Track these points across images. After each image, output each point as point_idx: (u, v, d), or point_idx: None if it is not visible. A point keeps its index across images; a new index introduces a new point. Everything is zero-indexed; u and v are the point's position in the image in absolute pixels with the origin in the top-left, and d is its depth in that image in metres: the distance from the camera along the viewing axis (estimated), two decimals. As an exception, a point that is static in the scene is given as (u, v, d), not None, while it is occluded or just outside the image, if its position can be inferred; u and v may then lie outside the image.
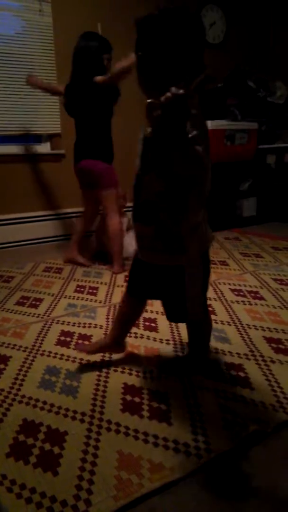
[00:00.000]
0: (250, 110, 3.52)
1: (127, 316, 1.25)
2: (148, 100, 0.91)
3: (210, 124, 3.36)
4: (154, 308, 1.73)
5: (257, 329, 1.50)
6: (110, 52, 2.24)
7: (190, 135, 0.81)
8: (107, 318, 1.63)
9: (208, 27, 3.67)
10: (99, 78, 2.12)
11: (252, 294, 1.85)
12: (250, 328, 1.51)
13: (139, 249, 1.09)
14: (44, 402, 1.09)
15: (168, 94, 0.76)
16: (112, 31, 3.15)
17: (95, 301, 1.85)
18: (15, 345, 1.44)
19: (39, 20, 2.85)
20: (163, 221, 0.97)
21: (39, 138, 3.05)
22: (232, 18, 3.78)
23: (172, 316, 1.15)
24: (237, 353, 1.33)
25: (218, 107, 3.45)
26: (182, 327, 1.52)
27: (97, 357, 1.32)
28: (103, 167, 2.24)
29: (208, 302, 1.77)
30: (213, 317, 1.62)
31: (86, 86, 2.16)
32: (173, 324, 1.56)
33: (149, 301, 1.79)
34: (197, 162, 0.85)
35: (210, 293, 1.88)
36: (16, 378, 1.22)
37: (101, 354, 1.34)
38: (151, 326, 1.55)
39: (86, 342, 1.44)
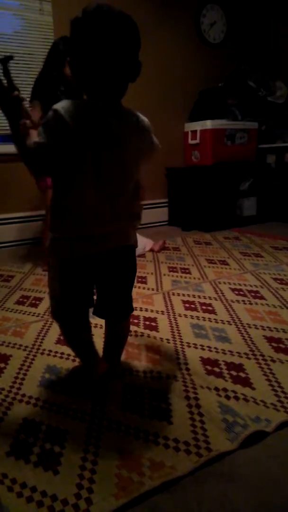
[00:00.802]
0: (250, 109, 3.52)
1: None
2: None
3: (210, 123, 3.37)
4: (155, 307, 1.73)
5: (258, 329, 1.50)
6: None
7: None
8: (107, 317, 1.63)
9: (209, 26, 3.67)
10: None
11: (253, 294, 1.85)
12: (250, 327, 1.51)
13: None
14: (45, 401, 1.09)
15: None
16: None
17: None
18: (15, 344, 1.44)
19: (39, 19, 2.85)
20: None
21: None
22: (232, 17, 3.78)
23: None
24: (237, 353, 1.33)
25: (218, 106, 3.46)
26: (182, 325, 1.53)
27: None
28: None
29: (209, 301, 1.78)
30: (213, 316, 1.62)
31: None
32: (173, 323, 1.56)
33: (148, 300, 1.79)
34: None
35: (211, 292, 1.89)
36: (16, 377, 1.22)
37: (101, 352, 1.34)
38: (152, 325, 1.55)
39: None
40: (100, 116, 0.91)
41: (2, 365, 1.29)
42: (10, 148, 2.88)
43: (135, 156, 1.00)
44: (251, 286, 1.96)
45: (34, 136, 0.90)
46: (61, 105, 0.89)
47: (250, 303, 1.75)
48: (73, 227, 0.95)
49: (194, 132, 3.53)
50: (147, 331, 1.50)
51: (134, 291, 1.94)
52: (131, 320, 1.59)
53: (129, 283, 1.10)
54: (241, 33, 3.88)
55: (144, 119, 1.02)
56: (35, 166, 0.95)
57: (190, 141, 3.58)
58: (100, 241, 0.98)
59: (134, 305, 1.74)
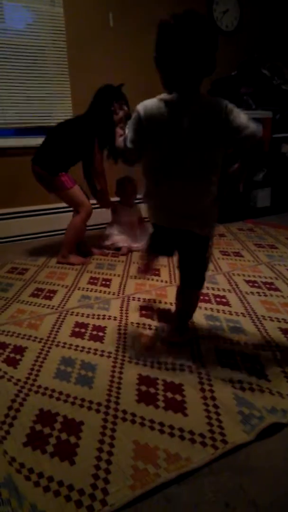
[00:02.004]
0: (264, 98, 3.46)
1: None
2: None
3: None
4: (168, 299, 1.72)
5: (273, 320, 1.49)
6: (120, 100, 2.36)
7: None
8: (121, 310, 1.64)
9: (222, 14, 3.60)
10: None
11: (267, 285, 1.83)
12: (265, 319, 1.50)
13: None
14: (60, 393, 1.10)
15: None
16: (124, 20, 3.12)
17: (109, 292, 1.85)
18: (30, 336, 1.45)
19: (50, 11, 2.83)
20: None
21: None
22: (245, 4, 3.69)
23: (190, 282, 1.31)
24: (252, 344, 1.32)
25: (231, 96, 3.40)
26: (197, 317, 1.52)
27: (111, 348, 1.33)
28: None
29: (223, 293, 1.77)
30: (227, 308, 1.61)
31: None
32: (188, 316, 1.55)
33: (162, 293, 1.79)
34: None
35: (225, 284, 1.87)
36: (32, 369, 1.23)
37: (116, 345, 1.35)
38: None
39: (100, 334, 1.44)
40: (173, 113, 1.09)
41: (18, 356, 1.31)
42: (22, 142, 2.89)
43: (209, 144, 1.10)
44: (265, 277, 1.94)
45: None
46: (142, 105, 1.14)
47: (265, 295, 1.73)
48: (155, 207, 1.23)
49: (207, 122, 3.48)
50: (161, 324, 1.49)
51: (147, 283, 1.94)
52: (144, 312, 1.60)
53: (193, 260, 1.27)
54: (254, 21, 3.80)
55: (230, 104, 1.12)
56: (124, 158, 1.22)
57: (203, 132, 3.53)
58: (173, 221, 1.20)
59: (147, 297, 1.75)
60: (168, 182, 1.14)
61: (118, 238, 2.60)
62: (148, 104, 1.13)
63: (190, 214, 1.17)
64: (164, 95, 1.13)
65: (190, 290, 1.33)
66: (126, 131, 1.17)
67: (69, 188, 2.31)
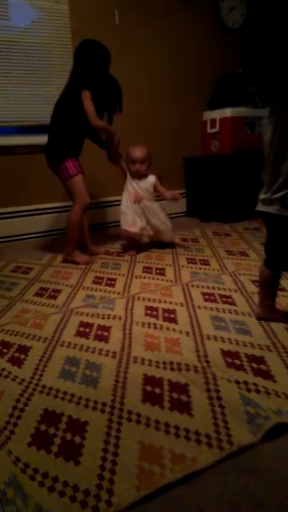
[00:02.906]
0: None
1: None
2: None
3: (229, 111, 3.30)
4: (174, 299, 1.72)
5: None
6: (109, 56, 2.30)
7: None
8: (126, 309, 1.63)
9: (228, 11, 3.58)
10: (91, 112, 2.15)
11: (273, 285, 1.82)
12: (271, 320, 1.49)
13: None
14: (65, 392, 1.10)
15: None
16: (129, 17, 3.11)
17: (113, 292, 1.85)
18: (35, 335, 1.45)
19: (55, 8, 2.83)
20: None
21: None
22: (252, 1, 3.67)
23: None
24: (258, 345, 1.31)
25: (237, 94, 3.38)
26: (202, 317, 1.51)
27: (116, 348, 1.32)
28: None
29: (229, 293, 1.76)
30: (233, 308, 1.60)
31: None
32: (193, 315, 1.54)
33: (168, 293, 1.78)
34: None
35: (231, 284, 1.86)
36: (36, 368, 1.23)
37: (121, 345, 1.34)
38: (171, 317, 1.54)
39: (105, 332, 1.44)
40: None
41: (23, 356, 1.31)
42: (27, 140, 2.89)
43: None
44: (271, 277, 1.92)
45: None
46: None
47: (271, 295, 1.71)
48: None
49: (213, 120, 3.47)
50: (166, 323, 1.49)
51: (152, 283, 1.94)
52: (149, 312, 1.59)
53: None
54: (261, 18, 3.77)
55: None
56: None
57: (209, 130, 3.52)
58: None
59: (152, 297, 1.74)
60: None
61: (130, 219, 2.41)
62: None
63: None
64: None
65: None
66: None
67: (71, 175, 2.26)
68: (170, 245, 2.56)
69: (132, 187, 2.44)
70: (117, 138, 2.36)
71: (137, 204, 2.40)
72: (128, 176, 2.47)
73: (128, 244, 2.56)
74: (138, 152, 2.37)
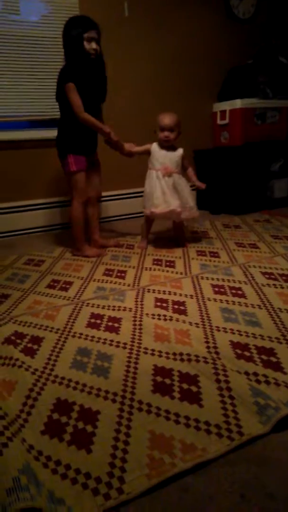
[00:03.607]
0: (282, 87, 3.39)
1: None
2: None
3: (240, 102, 3.27)
4: (183, 291, 1.72)
5: (289, 313, 1.47)
6: (89, 30, 2.09)
7: None
8: (136, 301, 1.64)
9: (238, 1, 3.53)
10: (71, 89, 2.07)
11: (284, 277, 1.81)
12: (281, 311, 1.48)
13: None
14: (77, 382, 1.12)
15: None
16: (139, 10, 3.08)
17: (124, 284, 1.86)
18: (47, 326, 1.47)
19: (65, 2, 2.82)
20: None
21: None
22: (263, -10, 3.61)
23: None
24: (268, 337, 1.31)
25: (248, 84, 3.34)
26: (212, 309, 1.51)
27: (127, 339, 1.34)
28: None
29: (239, 285, 1.76)
30: (243, 300, 1.60)
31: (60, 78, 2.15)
32: (203, 307, 1.55)
33: (177, 285, 1.79)
34: None
35: (241, 276, 1.86)
36: (49, 359, 1.25)
37: (131, 336, 1.35)
38: (180, 309, 1.55)
39: (116, 324, 1.45)
40: None
41: (36, 346, 1.33)
42: (37, 134, 2.90)
43: None
44: (282, 269, 1.92)
45: None
46: None
47: (282, 287, 1.71)
48: None
49: (223, 112, 3.44)
50: (175, 315, 1.50)
51: (162, 275, 1.94)
52: (159, 304, 1.60)
53: None
54: (271, 7, 3.71)
55: None
56: None
57: (219, 122, 3.49)
58: None
59: (162, 289, 1.75)
60: None
61: (157, 200, 2.29)
62: None
63: None
64: None
65: None
66: None
67: (71, 171, 2.23)
68: (180, 243, 2.47)
69: (160, 161, 2.31)
70: (113, 135, 2.22)
71: (166, 179, 2.29)
72: (154, 147, 2.33)
73: (147, 228, 2.50)
74: (167, 119, 2.24)
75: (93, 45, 2.09)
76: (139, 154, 2.38)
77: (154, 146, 2.33)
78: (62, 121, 2.25)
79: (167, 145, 2.31)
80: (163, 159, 2.31)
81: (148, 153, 2.36)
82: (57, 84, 2.19)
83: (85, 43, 2.08)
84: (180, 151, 2.34)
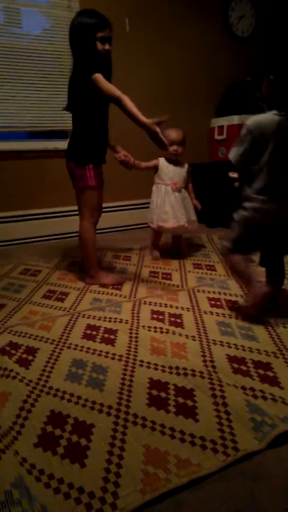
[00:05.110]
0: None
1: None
2: None
3: (237, 118, 3.31)
4: (180, 303, 1.72)
5: (285, 327, 1.47)
6: (104, 29, 1.85)
7: None
8: (132, 313, 1.64)
9: (237, 20, 3.61)
10: (100, 79, 1.76)
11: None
12: (278, 326, 1.48)
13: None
14: (71, 394, 1.10)
15: None
16: (141, 26, 3.14)
17: (120, 295, 1.86)
18: (42, 337, 1.46)
19: (67, 16, 2.87)
20: None
21: (65, 134, 3.08)
22: (261, 10, 3.70)
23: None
24: (265, 351, 1.31)
25: (245, 101, 3.39)
26: (208, 323, 1.51)
27: (123, 351, 1.33)
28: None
29: (235, 298, 1.76)
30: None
31: (77, 76, 1.88)
32: (199, 320, 1.54)
33: (174, 297, 1.79)
34: None
35: (237, 290, 1.86)
36: (43, 370, 1.23)
37: (127, 348, 1.35)
38: (177, 321, 1.55)
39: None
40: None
41: (30, 357, 1.31)
42: (36, 145, 2.92)
43: None
44: (278, 284, 1.92)
45: None
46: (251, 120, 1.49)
47: (278, 302, 1.71)
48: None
49: (220, 127, 3.48)
50: (172, 328, 1.49)
51: (159, 287, 1.94)
52: (155, 316, 1.59)
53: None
54: (270, 26, 3.79)
55: None
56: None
57: (217, 137, 3.53)
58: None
59: (158, 301, 1.75)
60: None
61: (165, 215, 2.29)
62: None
63: None
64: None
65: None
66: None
67: (90, 186, 1.92)
68: (179, 255, 2.49)
69: (169, 176, 2.33)
70: (160, 136, 1.89)
71: (176, 194, 2.31)
72: (162, 163, 2.34)
73: (154, 242, 2.52)
74: (175, 133, 2.27)
75: (107, 46, 1.87)
76: (148, 169, 2.40)
77: (162, 161, 2.37)
78: (80, 128, 1.94)
79: (175, 159, 2.35)
80: (173, 174, 2.34)
81: (154, 168, 2.39)
82: (70, 90, 1.96)
83: (98, 44, 1.85)
84: (186, 166, 2.40)
